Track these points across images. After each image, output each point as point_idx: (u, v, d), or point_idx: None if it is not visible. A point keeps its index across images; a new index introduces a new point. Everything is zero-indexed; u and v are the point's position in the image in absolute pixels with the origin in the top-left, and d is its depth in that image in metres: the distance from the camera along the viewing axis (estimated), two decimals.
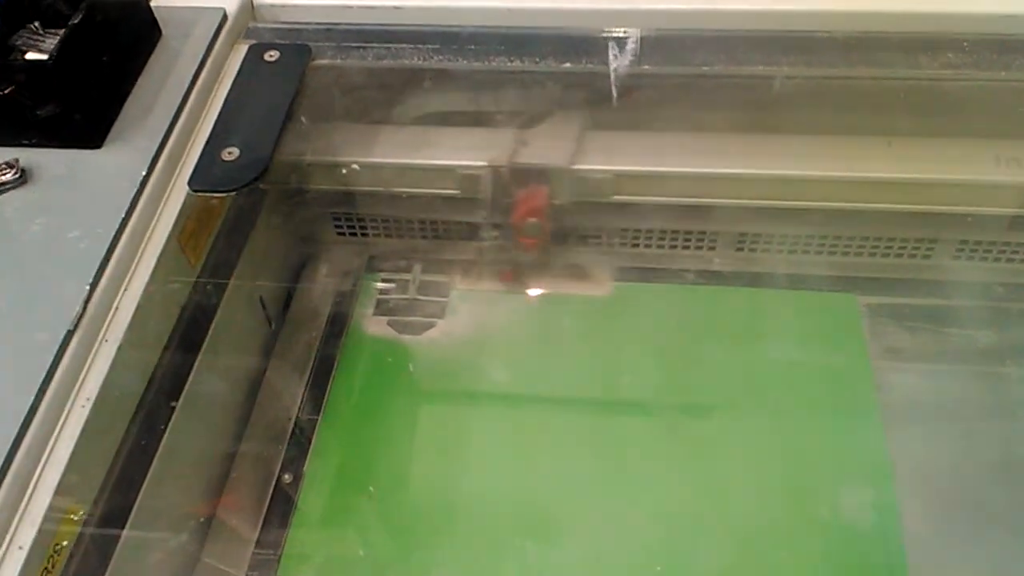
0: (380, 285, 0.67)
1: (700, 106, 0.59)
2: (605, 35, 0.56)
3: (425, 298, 0.65)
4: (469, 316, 0.65)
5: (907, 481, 0.55)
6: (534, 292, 0.66)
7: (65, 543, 0.40)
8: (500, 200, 0.61)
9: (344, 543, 0.55)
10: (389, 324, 0.65)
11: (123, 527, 0.45)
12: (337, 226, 0.68)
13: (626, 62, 0.55)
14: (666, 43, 0.56)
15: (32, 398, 0.40)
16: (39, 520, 0.38)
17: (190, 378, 0.51)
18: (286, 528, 0.55)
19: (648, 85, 0.57)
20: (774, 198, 0.59)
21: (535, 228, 0.61)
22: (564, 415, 0.60)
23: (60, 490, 0.39)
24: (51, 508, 0.39)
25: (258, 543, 0.55)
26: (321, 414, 0.60)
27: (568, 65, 0.56)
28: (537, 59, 0.56)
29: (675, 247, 0.66)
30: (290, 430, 0.59)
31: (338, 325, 0.65)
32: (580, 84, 0.58)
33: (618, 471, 0.57)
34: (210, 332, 0.54)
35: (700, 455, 0.58)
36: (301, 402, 0.61)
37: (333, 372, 0.62)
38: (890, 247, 0.64)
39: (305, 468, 0.57)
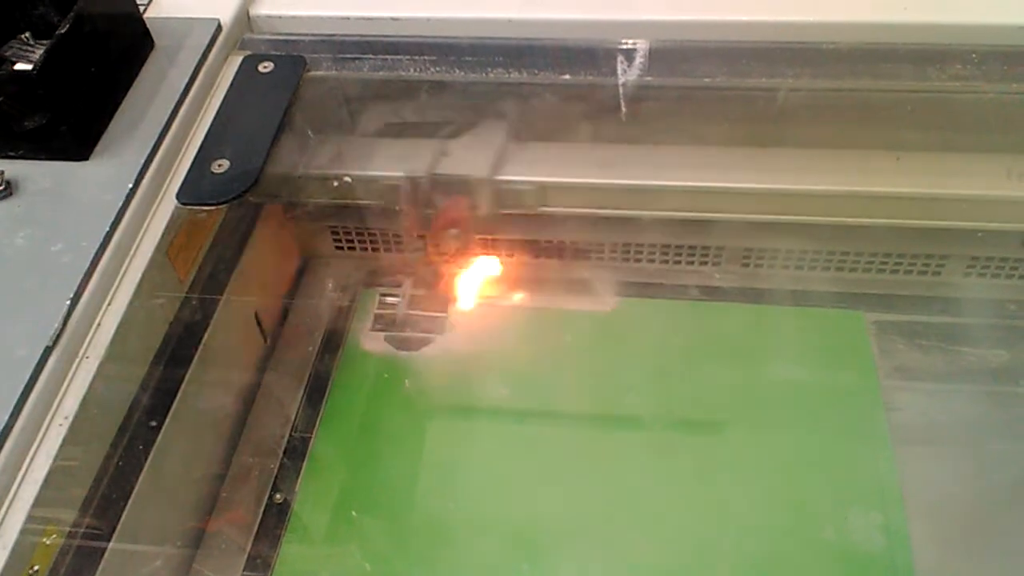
0: (378, 299, 0.66)
1: (704, 118, 0.58)
2: (607, 47, 0.55)
3: (423, 313, 0.64)
4: (468, 331, 0.64)
5: (917, 505, 0.53)
6: (534, 307, 0.65)
7: (38, 567, 0.39)
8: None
9: (339, 562, 0.54)
10: (386, 339, 0.64)
11: (104, 551, 0.44)
12: (335, 240, 0.67)
13: (629, 74, 0.54)
14: (669, 54, 0.55)
15: (7, 416, 0.39)
16: (11, 543, 0.37)
17: (179, 395, 0.50)
18: (278, 546, 0.54)
19: (651, 97, 0.56)
20: (780, 213, 0.58)
21: (456, 237, 0.60)
22: (563, 433, 0.59)
23: (35, 512, 0.38)
24: (25, 531, 0.38)
25: (249, 560, 0.53)
26: (316, 431, 0.59)
27: (568, 77, 0.55)
28: (536, 71, 0.55)
29: (679, 262, 0.65)
30: (284, 447, 0.58)
31: (335, 340, 0.64)
32: (581, 96, 0.57)
33: (619, 491, 0.56)
34: (200, 348, 0.53)
35: (702, 476, 0.56)
36: (296, 419, 0.60)
37: (329, 388, 0.61)
38: (899, 263, 0.63)
39: (298, 486, 0.56)
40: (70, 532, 0.41)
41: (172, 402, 0.50)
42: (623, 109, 0.56)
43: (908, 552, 0.52)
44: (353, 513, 0.56)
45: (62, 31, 0.46)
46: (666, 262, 0.65)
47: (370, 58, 0.56)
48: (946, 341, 0.61)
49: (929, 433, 0.58)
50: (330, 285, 0.67)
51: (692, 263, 0.65)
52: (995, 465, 0.56)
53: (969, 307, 0.63)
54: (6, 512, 0.38)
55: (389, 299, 0.66)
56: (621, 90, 0.55)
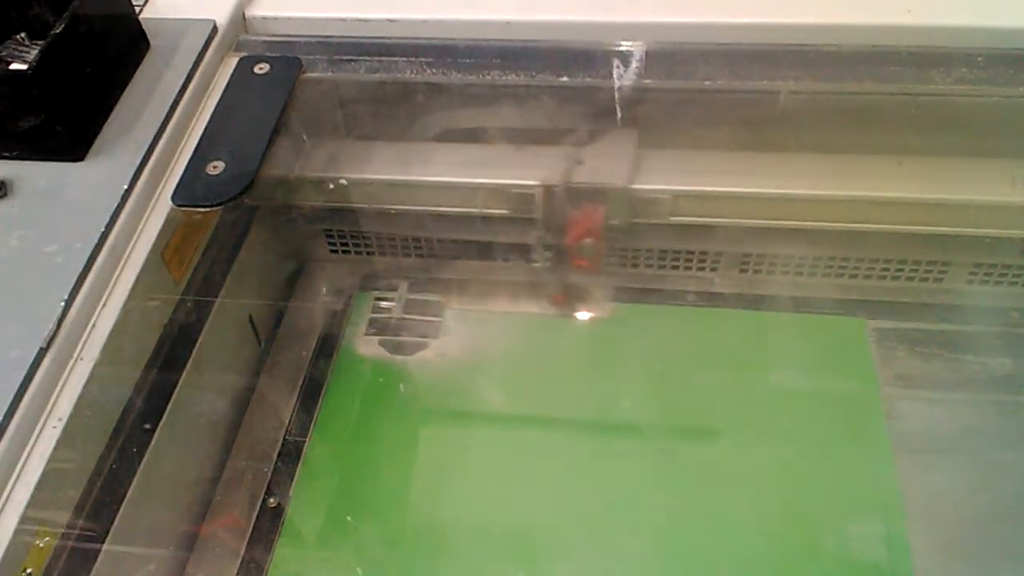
0: (373, 304, 0.66)
1: (703, 122, 0.58)
2: (605, 49, 0.55)
3: (418, 318, 0.64)
4: (463, 336, 0.63)
5: (918, 515, 0.53)
6: (530, 312, 0.65)
7: (31, 570, 0.39)
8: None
9: (332, 566, 0.54)
10: (381, 344, 0.64)
11: (97, 554, 0.44)
12: (330, 243, 0.67)
13: (627, 76, 0.54)
14: (668, 57, 0.54)
15: (1, 417, 0.38)
16: (5, 546, 0.37)
17: (173, 398, 0.50)
18: (272, 550, 0.53)
19: (649, 100, 0.56)
20: (779, 218, 0.58)
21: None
22: (559, 439, 0.59)
23: (28, 514, 0.38)
24: (18, 534, 0.37)
25: (242, 564, 0.53)
26: (310, 435, 0.59)
27: (566, 79, 0.54)
28: (533, 73, 0.54)
29: (676, 267, 0.64)
30: (278, 451, 0.58)
31: (329, 344, 0.64)
32: (578, 99, 0.56)
33: (616, 498, 0.55)
34: (195, 350, 0.52)
35: (700, 484, 0.56)
36: (290, 422, 0.60)
37: (323, 392, 0.61)
38: (900, 270, 0.62)
39: (292, 490, 0.56)
40: (63, 535, 0.41)
41: (166, 405, 0.49)
42: (621, 112, 0.56)
43: (909, 562, 0.51)
44: (347, 518, 0.55)
45: (57, 31, 0.46)
46: (663, 267, 0.64)
47: (366, 60, 0.56)
48: (948, 349, 0.61)
49: (930, 442, 0.57)
50: (324, 288, 0.67)
51: (690, 268, 0.64)
52: (997, 475, 0.55)
53: (971, 314, 0.62)
54: None
55: (384, 303, 0.66)
56: (619, 93, 0.54)
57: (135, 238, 0.47)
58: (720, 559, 0.52)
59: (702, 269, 0.64)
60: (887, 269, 0.62)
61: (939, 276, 0.62)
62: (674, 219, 0.58)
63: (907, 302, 0.62)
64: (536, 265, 0.62)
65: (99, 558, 0.44)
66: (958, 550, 0.53)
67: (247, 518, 0.55)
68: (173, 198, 0.49)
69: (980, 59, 0.52)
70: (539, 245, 0.61)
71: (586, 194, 0.57)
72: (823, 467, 0.56)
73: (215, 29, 0.56)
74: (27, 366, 0.40)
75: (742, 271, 0.64)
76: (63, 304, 0.42)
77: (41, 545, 0.40)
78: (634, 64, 0.54)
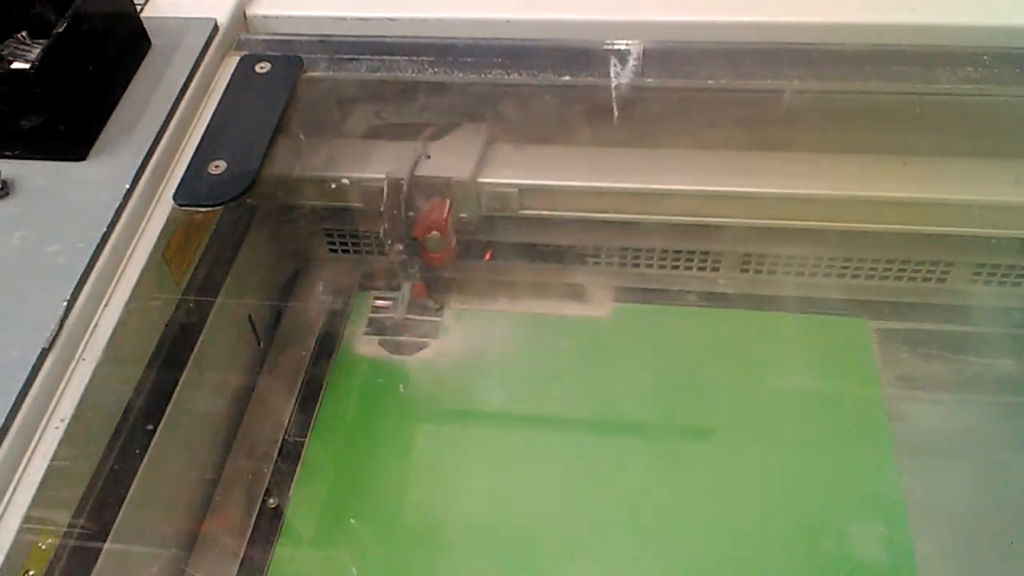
0: (372, 303, 0.66)
1: (704, 121, 0.57)
2: (606, 47, 0.54)
3: (418, 318, 0.64)
4: (463, 336, 0.63)
5: (921, 517, 0.53)
6: (531, 312, 0.65)
7: (32, 572, 0.39)
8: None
9: (331, 566, 0.54)
10: (381, 344, 0.64)
11: (98, 553, 0.44)
12: (329, 242, 0.67)
13: (627, 75, 0.53)
14: (670, 55, 0.54)
15: (3, 418, 0.38)
16: (7, 547, 0.37)
17: (173, 398, 0.50)
18: (271, 550, 0.53)
19: (650, 99, 0.55)
20: (781, 218, 0.57)
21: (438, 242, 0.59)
22: (560, 440, 0.59)
23: (31, 515, 0.38)
24: (20, 535, 0.37)
25: (242, 565, 0.53)
26: (309, 435, 0.59)
27: (567, 78, 0.54)
28: (535, 72, 0.54)
29: (677, 267, 0.64)
30: (277, 451, 0.58)
31: (329, 344, 0.64)
32: (579, 98, 0.56)
33: (616, 500, 0.55)
34: (195, 350, 0.52)
35: (701, 485, 0.55)
36: (289, 423, 0.60)
37: (322, 392, 0.61)
38: (903, 270, 0.62)
39: (292, 491, 0.56)
40: (64, 535, 0.41)
41: (166, 405, 0.49)
42: (623, 111, 0.55)
43: (912, 564, 0.51)
44: (346, 518, 0.55)
45: (60, 30, 0.46)
46: (664, 267, 0.64)
47: (367, 59, 0.55)
48: (950, 350, 0.60)
49: (933, 443, 0.57)
50: (322, 288, 0.67)
51: (690, 268, 0.64)
52: (1000, 476, 0.55)
53: (974, 315, 0.61)
54: (1, 516, 0.37)
55: (383, 302, 0.65)
56: (621, 92, 0.54)
57: (137, 238, 0.47)
58: (722, 560, 0.52)
59: (703, 269, 0.64)
60: (889, 269, 0.62)
61: (942, 276, 0.61)
62: (676, 218, 0.58)
63: (909, 302, 0.62)
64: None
65: (99, 559, 0.44)
66: (961, 552, 0.53)
67: (246, 518, 0.55)
68: (175, 198, 0.49)
69: (985, 58, 0.52)
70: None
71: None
72: (825, 468, 0.55)
73: (216, 28, 0.56)
74: (29, 367, 0.40)
75: (743, 271, 0.63)
76: (65, 304, 0.42)
77: (43, 547, 0.40)
78: (631, 62, 0.53)
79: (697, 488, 0.55)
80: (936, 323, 0.62)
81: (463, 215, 0.58)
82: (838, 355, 0.61)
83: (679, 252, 0.63)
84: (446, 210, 0.57)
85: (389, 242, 0.59)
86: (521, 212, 0.59)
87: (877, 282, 0.62)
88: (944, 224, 0.56)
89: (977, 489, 0.55)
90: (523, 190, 0.58)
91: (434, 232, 0.58)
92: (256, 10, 0.58)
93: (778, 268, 0.63)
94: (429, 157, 0.57)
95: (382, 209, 0.58)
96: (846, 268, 0.62)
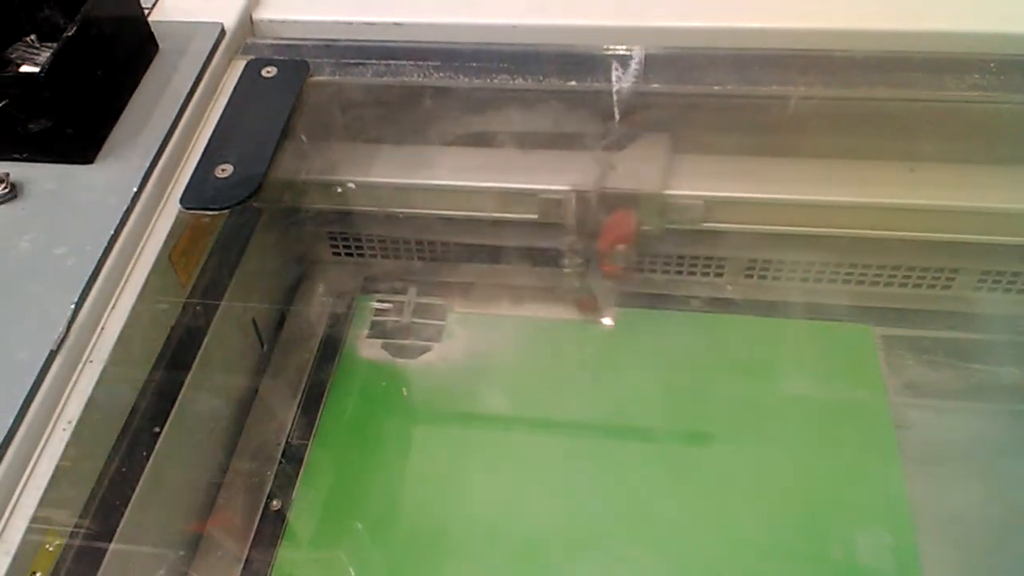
0: (375, 307, 0.66)
1: (712, 127, 0.57)
2: (610, 53, 0.54)
3: (421, 321, 0.64)
4: (467, 341, 0.63)
5: (927, 525, 0.52)
6: (536, 317, 0.65)
7: (38, 574, 0.39)
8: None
9: (334, 569, 0.54)
10: (384, 347, 0.64)
11: (104, 554, 0.44)
12: (333, 246, 0.67)
13: (631, 81, 0.53)
14: (674, 61, 0.54)
15: (11, 420, 0.39)
16: (14, 549, 0.37)
17: (178, 400, 0.50)
18: (274, 553, 0.53)
19: (655, 104, 0.55)
20: (787, 224, 0.57)
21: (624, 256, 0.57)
22: (565, 445, 0.59)
23: (38, 517, 0.38)
24: (27, 537, 0.37)
25: (245, 567, 0.53)
26: (312, 438, 0.59)
27: (573, 83, 0.54)
28: (541, 77, 0.54)
29: (680, 273, 0.64)
30: (280, 454, 0.58)
31: (331, 347, 0.64)
32: (584, 103, 0.56)
33: (619, 506, 0.55)
34: (200, 353, 0.53)
35: (706, 492, 0.55)
36: (292, 425, 0.60)
37: (325, 395, 0.61)
38: (908, 276, 0.61)
39: (295, 493, 0.56)
40: (70, 537, 0.41)
41: (171, 407, 0.50)
42: (629, 117, 0.55)
43: (918, 572, 0.50)
44: (349, 521, 0.55)
45: (69, 34, 0.46)
46: (667, 272, 0.64)
47: (373, 63, 0.55)
48: (957, 357, 0.60)
49: (940, 451, 0.56)
50: (325, 291, 0.67)
51: (694, 274, 0.64)
52: (1007, 484, 0.55)
53: (980, 322, 0.61)
54: (9, 517, 0.38)
55: (387, 306, 0.65)
56: (625, 97, 0.54)
57: (144, 240, 0.47)
58: (727, 567, 0.52)
59: (707, 275, 0.64)
60: (895, 276, 0.61)
61: (947, 283, 0.61)
62: (679, 224, 0.58)
63: (915, 309, 0.62)
64: (566, 270, 0.61)
65: (104, 560, 0.44)
66: (967, 560, 0.52)
67: (250, 521, 0.55)
68: (182, 201, 0.49)
69: (992, 65, 0.52)
70: (569, 250, 0.60)
71: (617, 200, 0.56)
72: (831, 476, 0.55)
73: (223, 32, 0.56)
74: (37, 368, 0.40)
75: (747, 277, 0.63)
76: (73, 306, 0.42)
77: (50, 548, 0.40)
78: (635, 68, 0.53)
79: (702, 494, 0.55)
80: (942, 330, 0.61)
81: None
82: (844, 362, 0.61)
83: (683, 258, 0.63)
84: (634, 223, 0.56)
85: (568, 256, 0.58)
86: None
87: (883, 289, 0.62)
88: (951, 231, 0.56)
89: (984, 497, 0.54)
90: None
91: (620, 245, 0.57)
92: (263, 14, 0.58)
93: (783, 274, 0.63)
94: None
95: (569, 221, 0.56)
96: (852, 274, 0.62)
